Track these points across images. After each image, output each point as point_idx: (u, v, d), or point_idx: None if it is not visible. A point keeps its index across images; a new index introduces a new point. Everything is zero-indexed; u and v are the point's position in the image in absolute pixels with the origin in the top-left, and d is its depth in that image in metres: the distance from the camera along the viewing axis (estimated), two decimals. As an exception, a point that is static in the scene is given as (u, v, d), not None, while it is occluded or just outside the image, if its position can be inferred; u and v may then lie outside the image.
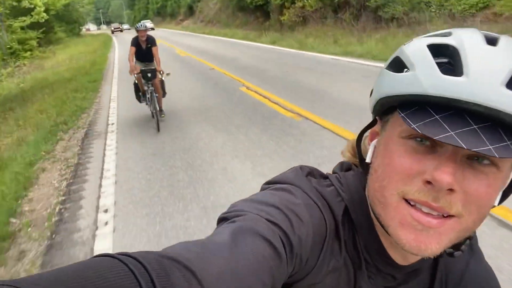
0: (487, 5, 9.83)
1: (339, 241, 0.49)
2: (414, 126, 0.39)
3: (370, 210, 0.49)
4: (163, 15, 50.10)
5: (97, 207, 3.22)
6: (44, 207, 3.37)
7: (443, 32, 0.44)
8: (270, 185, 0.52)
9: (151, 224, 2.84)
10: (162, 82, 5.73)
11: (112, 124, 5.84)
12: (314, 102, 5.69)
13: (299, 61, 9.85)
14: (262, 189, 0.52)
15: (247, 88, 7.22)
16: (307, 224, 0.45)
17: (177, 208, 3.03)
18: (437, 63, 0.41)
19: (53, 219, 3.12)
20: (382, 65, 0.51)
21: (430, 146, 0.42)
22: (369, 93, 0.50)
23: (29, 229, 3.01)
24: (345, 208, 0.51)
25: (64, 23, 34.15)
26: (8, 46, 18.95)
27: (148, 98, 5.54)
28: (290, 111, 5.37)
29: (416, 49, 0.43)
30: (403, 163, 0.42)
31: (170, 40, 22.90)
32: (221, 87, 7.68)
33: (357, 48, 9.80)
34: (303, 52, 11.51)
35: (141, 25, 5.58)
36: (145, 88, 5.55)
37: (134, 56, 5.63)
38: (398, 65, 0.44)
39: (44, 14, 21.97)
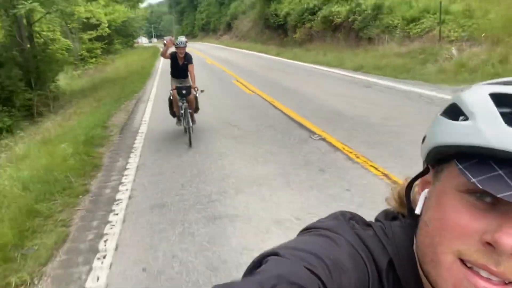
0: (432, 30, 13.08)
1: None
2: (474, 180, 0.36)
3: (419, 266, 0.45)
4: (206, 30, 55.71)
5: (141, 121, 7.25)
6: (119, 122, 7.48)
7: (504, 80, 0.43)
8: (310, 230, 0.51)
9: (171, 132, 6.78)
10: (195, 98, 5.87)
11: (151, 98, 9.95)
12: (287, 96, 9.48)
13: (288, 68, 13.66)
14: (300, 234, 0.51)
15: (237, 80, 11.15)
16: (348, 274, 0.43)
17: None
18: (500, 113, 0.38)
19: (122, 126, 7.19)
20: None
21: (491, 203, 0.38)
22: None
23: (114, 127, 7.11)
24: (389, 261, 0.47)
25: (121, 36, 40.17)
26: (79, 54, 24.37)
27: (182, 113, 5.68)
28: (267, 99, 9.19)
29: (476, 97, 0.41)
30: (459, 220, 0.39)
31: (204, 52, 27.44)
32: (219, 79, 11.67)
33: (329, 60, 13.44)
34: (296, 62, 15.29)
35: (180, 42, 5.69)
36: (179, 104, 5.68)
37: (166, 52, 5.86)
38: (454, 113, 0.42)
39: (107, 29, 27.48)
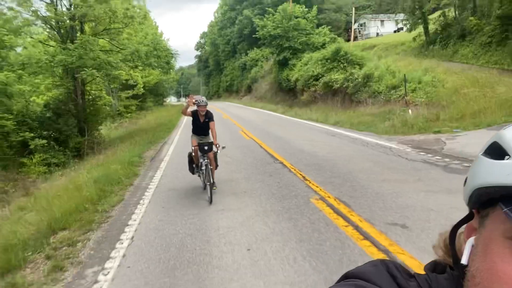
0: (404, 96, 15.99)
1: None
2: None
3: None
4: (230, 91, 61.01)
5: (166, 154, 10.23)
6: (150, 155, 10.49)
7: None
8: (348, 280, 0.49)
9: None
10: (215, 155, 5.98)
11: (174, 142, 13.04)
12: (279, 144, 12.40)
13: (285, 122, 16.69)
14: (339, 282, 0.49)
15: (242, 130, 14.18)
16: None
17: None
18: None
19: (152, 156, 10.18)
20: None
21: None
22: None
23: (146, 157, 10.11)
24: None
25: (153, 95, 45.31)
26: (117, 109, 28.62)
27: (203, 170, 5.77)
28: (258, 142, 12.12)
29: None
30: (509, 271, 0.35)
31: (223, 109, 31.23)
32: (229, 129, 14.72)
33: (318, 117, 16.43)
34: (295, 118, 18.35)
35: (202, 101, 5.92)
36: (200, 160, 5.79)
37: (186, 110, 6.06)
38: (497, 152, 0.40)
39: (142, 89, 32.10)
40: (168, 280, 3.19)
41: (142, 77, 30.10)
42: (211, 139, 6.02)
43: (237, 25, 53.43)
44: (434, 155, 7.19)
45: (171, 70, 23.57)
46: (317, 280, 2.94)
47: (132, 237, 4.36)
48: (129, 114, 29.43)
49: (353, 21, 38.88)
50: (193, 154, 5.98)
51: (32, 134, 13.40)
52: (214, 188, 5.87)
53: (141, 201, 5.83)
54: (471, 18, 22.88)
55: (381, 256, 3.33)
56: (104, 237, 4.52)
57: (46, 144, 13.68)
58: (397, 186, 5.40)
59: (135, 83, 30.90)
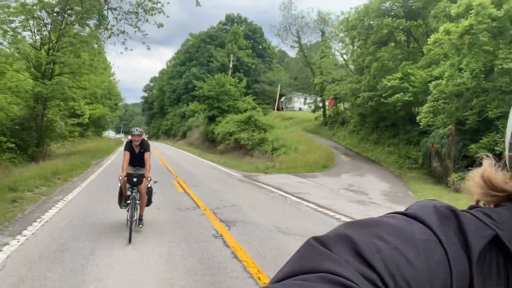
0: (271, 154, 23.74)
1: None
2: None
3: None
4: (168, 134, 67.05)
5: (103, 164, 16.33)
6: (93, 163, 16.48)
7: None
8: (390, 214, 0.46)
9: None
10: (149, 189, 5.86)
11: (111, 159, 19.07)
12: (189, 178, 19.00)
13: (195, 161, 23.40)
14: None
15: (162, 161, 20.57)
16: (420, 268, 0.39)
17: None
18: None
19: (95, 163, 16.21)
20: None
21: None
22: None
23: (91, 165, 16.15)
24: (493, 237, 0.43)
25: (94, 126, 50.01)
26: (63, 133, 33.48)
27: (127, 203, 5.47)
28: (169, 169, 18.62)
29: None
30: None
31: (157, 148, 37.28)
32: (154, 161, 21.09)
33: (219, 160, 23.48)
34: (204, 160, 25.17)
35: (136, 129, 5.90)
36: (128, 193, 5.52)
37: (127, 162, 5.70)
38: None
39: (87, 119, 37.30)
40: None
41: (89, 109, 35.50)
42: (144, 171, 5.79)
43: (184, 78, 61.20)
44: (252, 181, 14.22)
45: (117, 110, 29.56)
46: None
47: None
48: (72, 139, 34.27)
49: (277, 96, 48.36)
50: (121, 184, 5.67)
51: (5, 139, 18.63)
52: (140, 226, 5.69)
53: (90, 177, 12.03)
54: (348, 111, 32.48)
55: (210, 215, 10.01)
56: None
57: (13, 147, 18.91)
58: (221, 187, 12.23)
59: (82, 113, 36.14)
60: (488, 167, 0.49)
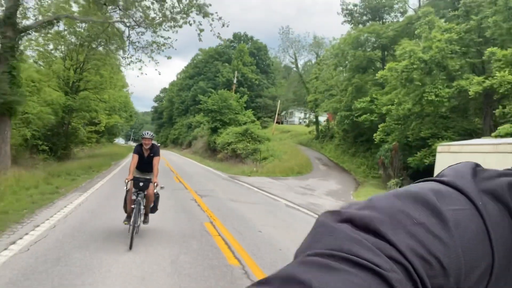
0: (259, 161, 27.96)
1: None
2: None
3: None
4: (175, 143, 71.86)
5: (120, 164, 20.80)
6: (112, 164, 20.96)
7: None
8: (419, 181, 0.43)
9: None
10: (156, 196, 5.83)
11: (126, 161, 23.55)
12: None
13: (196, 167, 27.78)
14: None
15: (168, 166, 25.00)
16: (451, 244, 0.36)
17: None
18: None
19: (113, 164, 20.68)
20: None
21: None
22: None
23: (110, 164, 20.63)
24: None
25: (107, 133, 54.96)
26: (82, 139, 38.30)
27: (133, 207, 5.41)
28: (172, 171, 23.07)
29: None
30: None
31: (164, 155, 41.79)
32: (161, 166, 25.55)
33: (217, 166, 27.88)
34: (204, 165, 29.55)
35: (147, 133, 5.83)
36: (133, 197, 5.47)
37: (135, 165, 5.70)
38: None
39: (103, 127, 42.14)
40: None
41: (106, 119, 40.34)
42: (152, 176, 5.70)
43: (192, 91, 66.14)
44: (234, 179, 18.42)
45: (131, 122, 34.19)
46: None
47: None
48: (90, 144, 39.02)
49: (277, 111, 52.72)
50: (127, 188, 5.61)
51: (40, 142, 23.26)
52: (146, 222, 5.79)
53: (101, 179, 16.42)
54: (335, 127, 36.62)
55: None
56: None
57: (46, 149, 23.52)
58: (207, 181, 16.51)
59: (99, 122, 40.96)
60: None
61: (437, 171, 12.73)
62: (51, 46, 24.93)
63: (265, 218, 8.40)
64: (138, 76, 45.41)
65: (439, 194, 0.39)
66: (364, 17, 28.55)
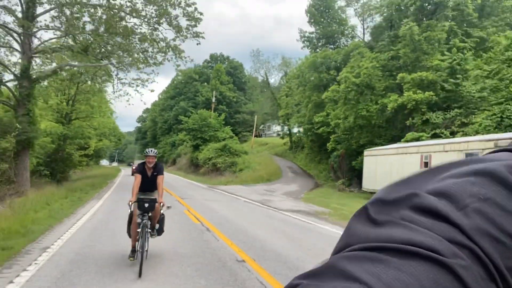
0: (235, 171, 32.21)
1: None
2: None
3: None
4: (160, 161, 75.42)
5: (114, 182, 24.78)
6: (108, 183, 24.93)
7: None
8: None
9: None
10: (161, 217, 5.65)
11: (118, 181, 27.52)
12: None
13: (180, 180, 31.85)
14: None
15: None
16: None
17: (126, 182, 24.69)
18: None
19: (108, 183, 24.64)
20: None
21: None
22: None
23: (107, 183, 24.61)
24: None
25: (94, 156, 58.43)
26: (75, 163, 41.96)
27: (138, 231, 5.25)
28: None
29: None
30: None
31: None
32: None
33: (197, 178, 32.04)
34: (186, 179, 33.61)
35: (150, 150, 5.64)
36: (138, 220, 5.31)
37: (138, 185, 5.45)
38: None
39: (92, 151, 45.84)
40: None
41: (95, 143, 44.11)
42: (157, 196, 5.57)
43: (174, 111, 70.26)
44: (211, 188, 22.55)
45: (119, 145, 38.11)
46: None
47: None
48: (81, 167, 42.63)
49: (255, 125, 57.22)
50: (131, 210, 5.44)
51: (43, 168, 27.04)
52: (153, 235, 5.66)
53: (102, 197, 20.46)
54: (305, 139, 41.08)
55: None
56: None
57: (48, 173, 27.31)
58: (189, 190, 20.65)
59: (88, 146, 44.67)
60: None
61: (365, 170, 17.33)
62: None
63: (225, 208, 12.69)
64: (126, 107, 49.09)
65: (505, 162, 0.34)
66: (320, 42, 33.43)
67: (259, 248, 6.84)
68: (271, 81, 50.63)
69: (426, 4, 21.91)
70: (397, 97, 19.61)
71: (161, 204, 5.46)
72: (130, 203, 5.38)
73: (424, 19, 21.00)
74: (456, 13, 22.59)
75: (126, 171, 48.78)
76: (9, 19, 20.46)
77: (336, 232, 8.69)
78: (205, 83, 70.01)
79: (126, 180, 27.48)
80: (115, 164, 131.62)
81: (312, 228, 9.33)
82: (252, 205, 13.85)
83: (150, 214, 5.48)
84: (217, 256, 6.22)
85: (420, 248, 0.28)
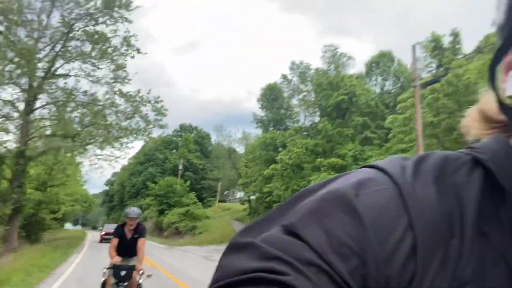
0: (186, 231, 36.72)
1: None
2: None
3: None
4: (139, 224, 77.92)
5: (85, 243, 28.91)
6: (79, 246, 29.03)
7: None
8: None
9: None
10: (138, 286, 5.12)
11: (87, 244, 31.46)
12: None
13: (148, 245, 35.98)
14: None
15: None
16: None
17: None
18: None
19: (78, 245, 28.76)
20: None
21: None
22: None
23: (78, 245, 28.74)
24: (486, 172, 0.37)
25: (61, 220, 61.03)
26: (47, 226, 45.13)
27: None
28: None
29: None
30: None
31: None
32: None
33: (158, 240, 36.32)
34: (150, 242, 37.69)
35: (132, 211, 5.23)
36: None
37: (115, 250, 5.08)
38: None
39: (61, 215, 49.19)
40: None
41: (65, 207, 47.73)
42: (135, 262, 5.07)
43: (142, 176, 74.61)
44: (169, 248, 27.08)
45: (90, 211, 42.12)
46: None
47: None
48: (50, 230, 45.69)
49: (218, 191, 62.30)
50: (104, 278, 5.00)
51: (21, 230, 30.79)
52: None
53: (81, 250, 24.76)
54: (260, 206, 46.05)
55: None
56: None
57: (24, 235, 31.01)
58: (150, 249, 25.26)
59: (58, 210, 48.11)
60: (484, 100, 0.44)
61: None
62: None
63: (175, 258, 17.60)
64: (99, 178, 53.49)
65: (361, 181, 0.37)
66: (271, 124, 40.41)
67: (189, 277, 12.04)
68: (237, 148, 57.14)
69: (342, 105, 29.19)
70: (317, 176, 25.80)
71: (141, 272, 4.97)
72: (105, 269, 5.01)
73: (337, 119, 28.01)
74: (369, 110, 29.92)
75: (92, 234, 51.81)
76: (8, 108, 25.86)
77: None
78: (174, 150, 75.62)
79: (96, 247, 31.43)
80: (78, 227, 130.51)
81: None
82: (196, 257, 18.86)
83: (126, 284, 5.03)
84: None
85: (264, 273, 0.31)
